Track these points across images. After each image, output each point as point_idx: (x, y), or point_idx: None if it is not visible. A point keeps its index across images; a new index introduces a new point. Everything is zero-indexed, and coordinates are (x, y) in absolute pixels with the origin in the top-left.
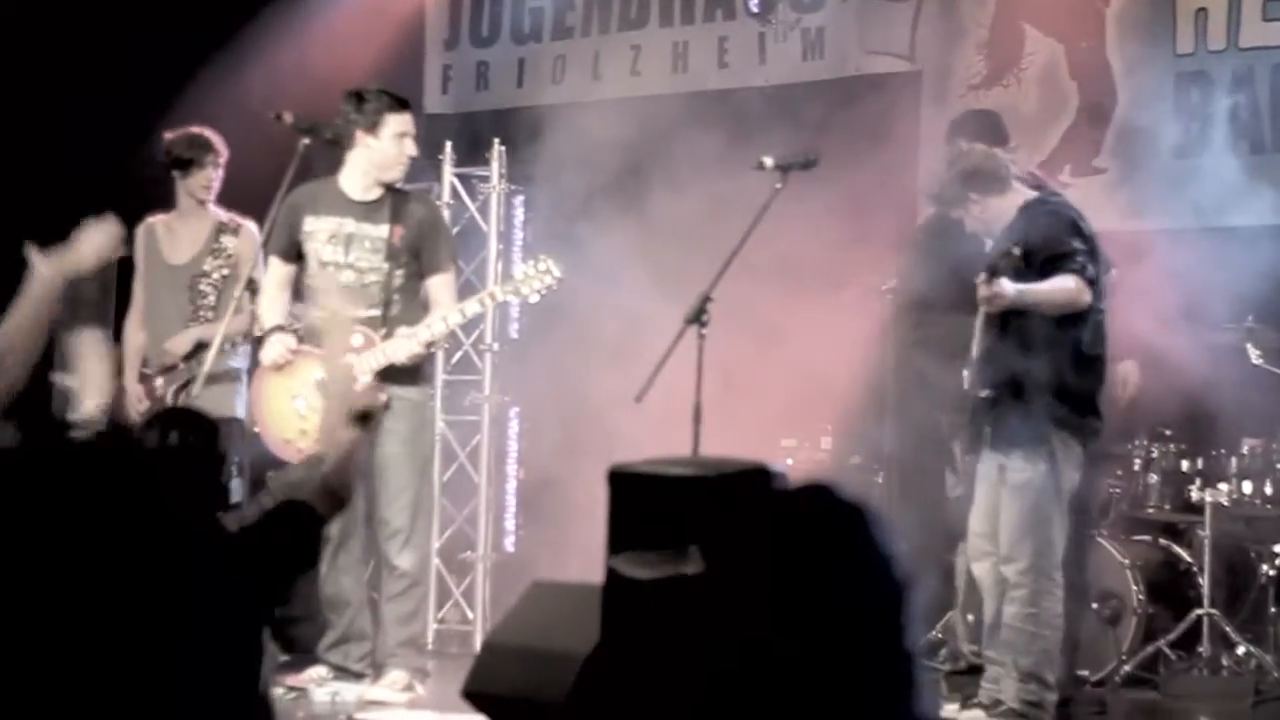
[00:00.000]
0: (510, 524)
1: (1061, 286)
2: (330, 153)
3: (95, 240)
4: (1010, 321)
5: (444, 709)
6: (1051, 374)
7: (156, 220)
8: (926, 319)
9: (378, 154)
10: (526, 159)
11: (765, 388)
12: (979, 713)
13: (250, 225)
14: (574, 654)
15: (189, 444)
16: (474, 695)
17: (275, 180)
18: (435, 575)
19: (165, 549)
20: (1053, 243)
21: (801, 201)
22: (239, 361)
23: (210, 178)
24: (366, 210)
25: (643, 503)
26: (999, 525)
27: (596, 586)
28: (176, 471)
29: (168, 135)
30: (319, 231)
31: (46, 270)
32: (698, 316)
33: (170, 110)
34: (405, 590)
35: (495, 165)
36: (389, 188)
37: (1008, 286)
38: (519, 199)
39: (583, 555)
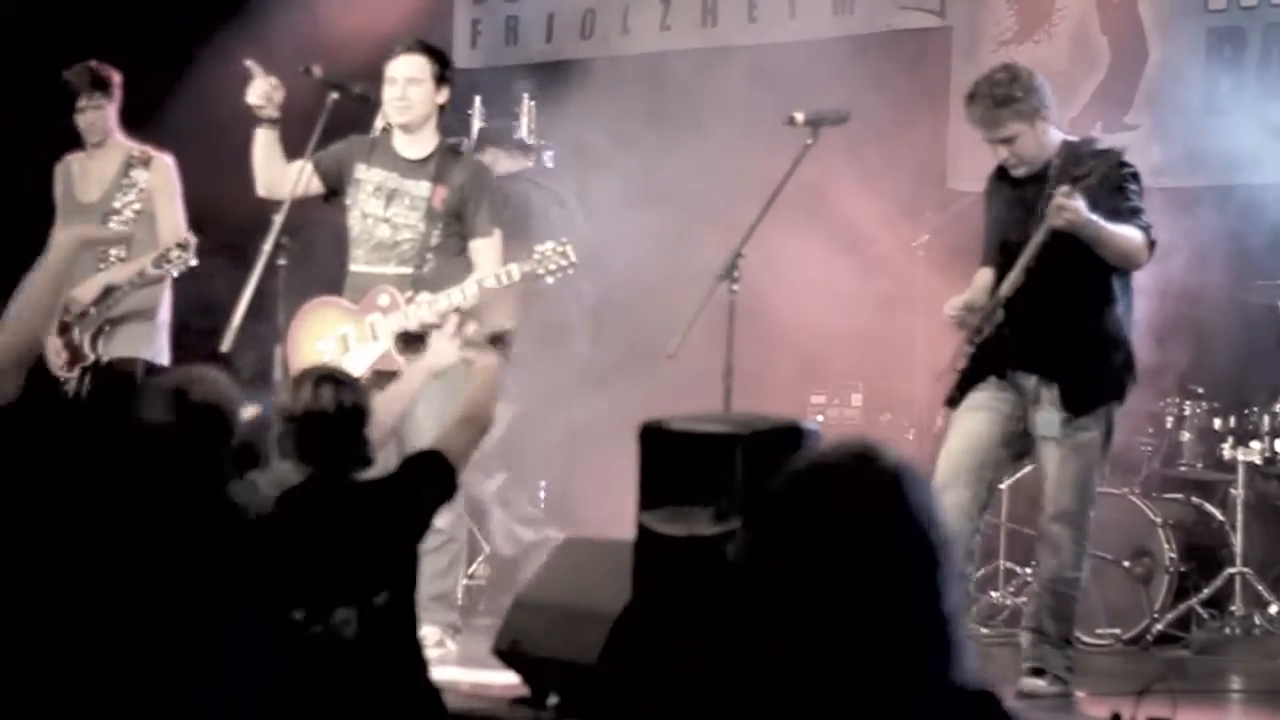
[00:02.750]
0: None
1: (1128, 235)
2: (360, 109)
3: None
4: (1071, 258)
5: (475, 665)
6: (1118, 330)
7: (73, 157)
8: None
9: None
10: (555, 113)
11: (796, 344)
12: (1039, 681)
13: (162, 157)
14: (606, 612)
15: (341, 405)
16: (505, 652)
17: (304, 136)
18: (465, 533)
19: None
20: (1120, 189)
21: (832, 157)
22: (149, 301)
23: (89, 121)
24: (412, 167)
25: (675, 459)
26: (1051, 482)
27: (628, 543)
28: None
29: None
30: (367, 182)
31: None
32: (729, 273)
33: (194, 64)
34: (441, 545)
35: (524, 120)
36: (441, 146)
37: (1083, 206)
38: (548, 154)
39: (615, 512)
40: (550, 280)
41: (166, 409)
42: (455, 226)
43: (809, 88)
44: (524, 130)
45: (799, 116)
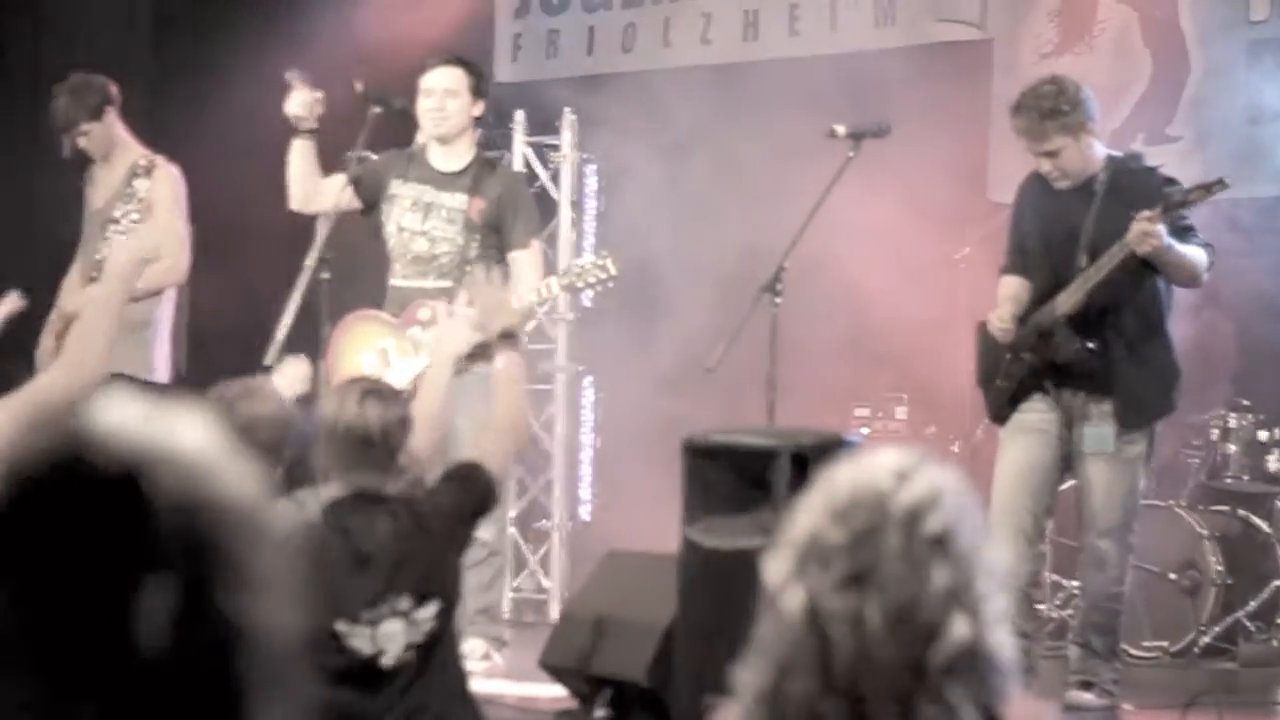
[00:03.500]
0: (585, 493)
1: (1198, 259)
2: (402, 123)
3: None
4: (1134, 278)
5: (522, 678)
6: (1169, 345)
7: (95, 164)
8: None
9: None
10: (598, 127)
11: (839, 357)
12: (1086, 695)
13: (166, 166)
14: (651, 625)
15: (384, 417)
16: (551, 666)
17: (345, 150)
18: (511, 545)
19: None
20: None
21: (873, 170)
22: (146, 314)
23: (84, 146)
24: (447, 180)
25: (718, 473)
26: (1099, 499)
27: (672, 556)
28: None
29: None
30: (403, 197)
31: None
32: (771, 285)
33: (235, 78)
34: (483, 560)
35: (566, 134)
36: (477, 159)
37: (1164, 233)
38: (590, 168)
39: (658, 525)
40: (590, 293)
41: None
42: (493, 239)
43: (850, 100)
44: (565, 145)
45: (840, 129)
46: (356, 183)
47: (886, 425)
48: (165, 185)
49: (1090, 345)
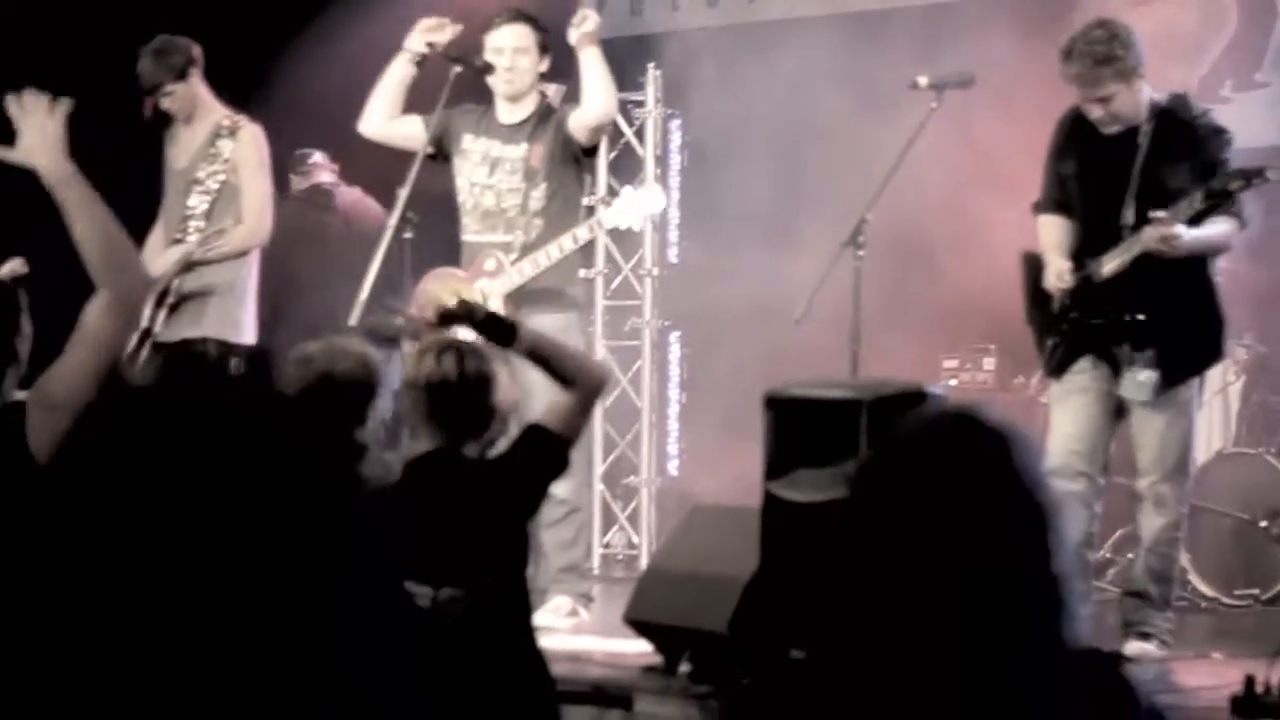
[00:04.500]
0: (673, 448)
1: (1224, 234)
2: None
3: (36, 107)
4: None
5: (609, 634)
6: (1214, 298)
7: (177, 124)
8: None
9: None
10: (682, 83)
11: (927, 309)
12: (1147, 645)
13: (251, 127)
14: (734, 579)
15: (463, 373)
16: (637, 621)
17: (426, 111)
18: (600, 501)
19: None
20: (1218, 171)
21: (960, 119)
22: (233, 277)
23: (168, 106)
24: (510, 132)
25: (799, 426)
26: (1153, 444)
27: (755, 510)
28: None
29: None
30: (473, 151)
31: (44, 159)
32: (854, 239)
33: (309, 34)
34: (564, 517)
35: (651, 89)
36: (539, 109)
37: (1184, 234)
38: (675, 123)
39: (746, 479)
40: (638, 226)
41: (307, 380)
42: (563, 173)
43: (935, 51)
44: (650, 100)
45: (922, 81)
46: (427, 122)
47: (974, 376)
48: (249, 146)
49: (1132, 315)
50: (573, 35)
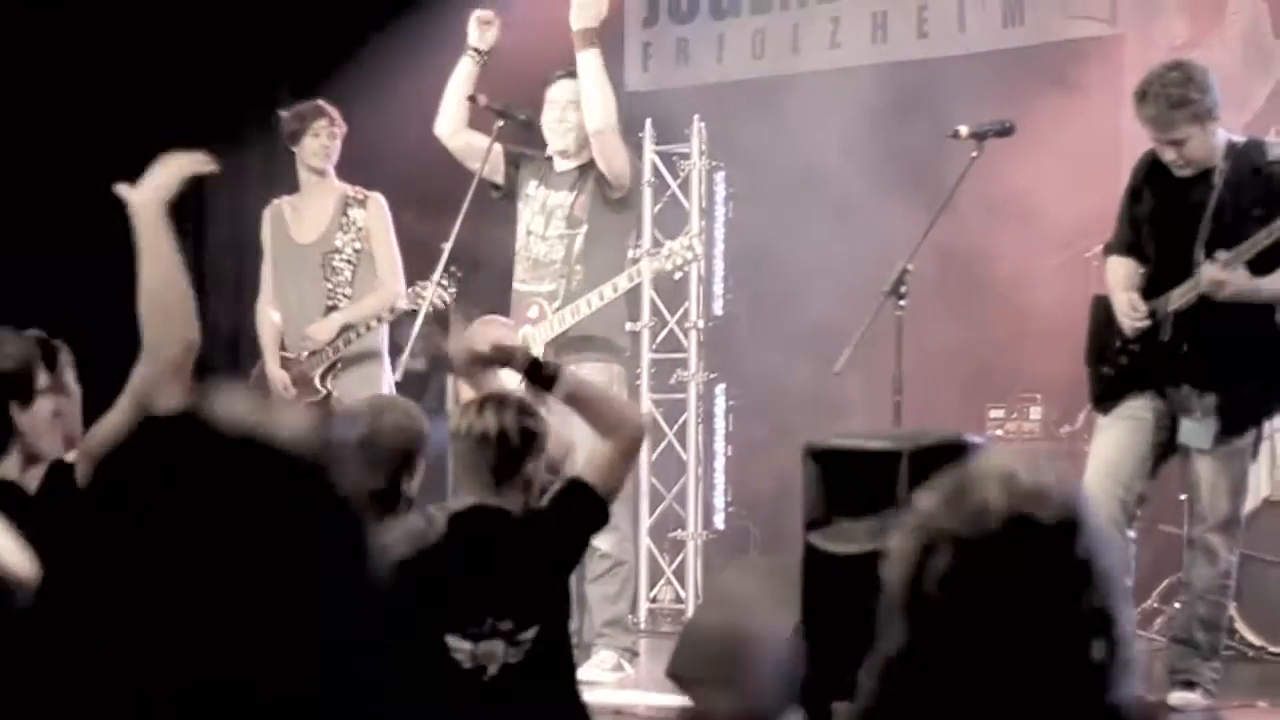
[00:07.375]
0: (720, 501)
1: None
2: (525, 135)
3: (176, 160)
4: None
5: (655, 688)
6: (1277, 340)
7: (283, 201)
8: None
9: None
10: (727, 135)
11: (971, 358)
12: (1192, 694)
13: (377, 196)
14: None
15: (503, 428)
16: (678, 676)
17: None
18: (646, 555)
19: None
20: None
21: (1002, 170)
22: (377, 341)
23: (324, 145)
24: (561, 180)
25: (838, 477)
26: (1206, 492)
27: (795, 562)
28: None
29: (280, 112)
30: (535, 199)
31: (138, 198)
32: (895, 288)
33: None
34: (608, 571)
35: (695, 142)
36: (588, 161)
37: (1242, 277)
38: (720, 175)
39: (794, 531)
40: (678, 275)
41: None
42: (598, 232)
43: (978, 101)
44: (694, 153)
45: (963, 130)
46: (506, 154)
47: (1021, 426)
48: (379, 214)
49: (1196, 356)
50: (575, 22)
